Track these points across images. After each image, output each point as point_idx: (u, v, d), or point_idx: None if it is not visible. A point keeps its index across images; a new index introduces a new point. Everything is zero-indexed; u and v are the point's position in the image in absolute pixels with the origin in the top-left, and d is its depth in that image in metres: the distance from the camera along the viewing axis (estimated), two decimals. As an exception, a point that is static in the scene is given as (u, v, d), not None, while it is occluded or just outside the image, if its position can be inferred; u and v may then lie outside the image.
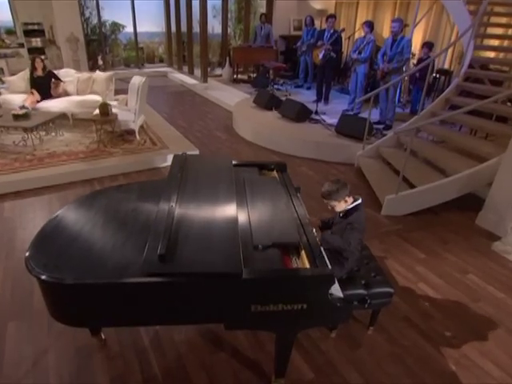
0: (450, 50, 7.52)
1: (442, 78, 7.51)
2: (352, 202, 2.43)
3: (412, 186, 4.23)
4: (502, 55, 6.14)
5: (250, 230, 2.16)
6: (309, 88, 8.72)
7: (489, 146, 4.54)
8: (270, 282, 1.83)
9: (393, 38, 5.86)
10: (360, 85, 6.69)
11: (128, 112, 5.77)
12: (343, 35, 7.34)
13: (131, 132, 6.03)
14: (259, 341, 2.53)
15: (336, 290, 2.10)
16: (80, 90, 6.44)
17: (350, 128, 5.71)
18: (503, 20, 5.95)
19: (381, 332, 2.66)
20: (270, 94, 7.16)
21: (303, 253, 2.07)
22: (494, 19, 5.89)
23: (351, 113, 6.65)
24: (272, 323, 1.96)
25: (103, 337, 2.52)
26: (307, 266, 1.97)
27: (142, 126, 6.34)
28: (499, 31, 5.89)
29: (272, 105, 7.04)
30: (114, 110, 5.58)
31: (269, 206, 2.40)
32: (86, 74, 6.59)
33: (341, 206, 2.41)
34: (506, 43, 6.00)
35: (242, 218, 2.23)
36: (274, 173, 3.01)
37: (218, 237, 1.97)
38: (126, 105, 5.92)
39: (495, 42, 5.96)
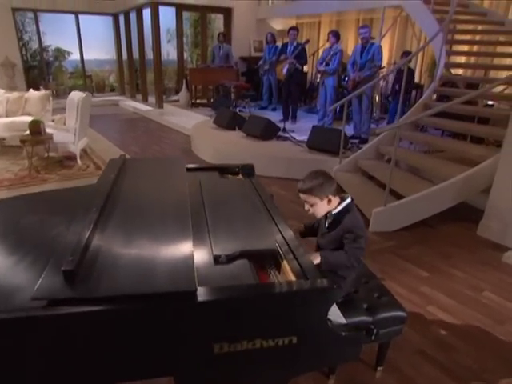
0: (418, 64, 7.57)
1: (413, 92, 7.51)
2: (339, 203, 1.94)
3: (400, 198, 3.89)
4: (473, 59, 6.18)
5: (208, 238, 1.62)
6: (274, 109, 8.48)
7: (478, 148, 4.34)
8: (239, 305, 1.27)
9: (362, 45, 5.74)
10: (330, 98, 6.49)
11: (66, 132, 5.18)
12: (307, 48, 7.18)
13: (72, 157, 5.41)
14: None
15: (335, 314, 1.56)
16: (10, 111, 5.80)
17: (324, 141, 5.39)
18: (470, 26, 6.01)
19: (392, 372, 2.12)
20: (232, 113, 6.84)
21: (285, 264, 1.53)
22: (460, 26, 5.96)
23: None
24: (247, 372, 1.38)
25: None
26: (292, 279, 1.43)
27: (84, 151, 5.74)
28: (467, 37, 5.95)
29: (235, 124, 6.70)
30: (50, 130, 4.97)
31: (234, 210, 1.90)
32: (16, 94, 5.99)
33: (323, 207, 1.92)
34: (475, 48, 6.05)
35: (198, 225, 1.69)
36: (240, 177, 2.53)
37: (161, 250, 1.43)
38: (64, 124, 5.32)
39: (464, 48, 6.01)
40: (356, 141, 5.88)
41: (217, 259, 1.49)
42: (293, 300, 1.31)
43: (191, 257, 1.36)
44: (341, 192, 2.00)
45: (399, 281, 2.95)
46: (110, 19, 11.20)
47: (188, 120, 8.41)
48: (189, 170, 2.50)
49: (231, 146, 5.87)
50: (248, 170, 2.57)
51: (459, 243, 3.55)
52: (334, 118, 6.88)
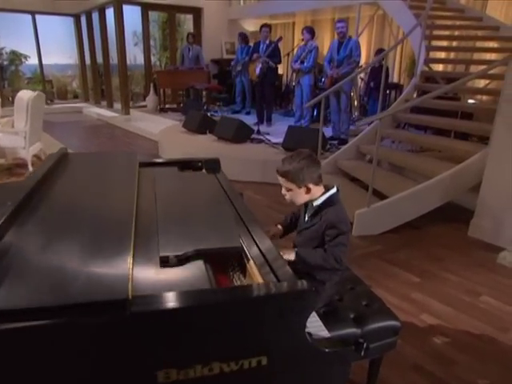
0: (397, 63, 7.55)
1: (393, 92, 7.49)
2: (323, 193, 1.70)
3: (384, 199, 3.72)
4: (452, 55, 6.17)
5: (157, 237, 1.33)
6: (248, 113, 8.32)
7: (463, 144, 4.24)
8: (187, 317, 0.98)
9: (339, 41, 5.62)
10: (306, 98, 6.33)
11: (15, 136, 4.80)
12: (281, 46, 7.04)
13: (23, 165, 5.02)
14: None
15: (316, 326, 1.30)
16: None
17: (300, 142, 5.13)
18: (448, 22, 6.01)
19: (386, 394, 1.85)
20: (202, 115, 6.61)
21: (251, 264, 1.26)
22: (439, 21, 5.96)
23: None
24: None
25: None
26: (260, 281, 1.16)
27: (38, 157, 5.35)
28: (446, 33, 5.94)
29: (205, 127, 6.46)
30: (-6, 134, 4.58)
31: (193, 208, 1.65)
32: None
33: (300, 196, 1.69)
34: (454, 44, 6.04)
35: (146, 225, 1.41)
36: (203, 173, 2.27)
37: (91, 253, 1.14)
38: (13, 127, 4.94)
39: (444, 43, 5.99)
40: (335, 142, 5.74)
41: (164, 261, 1.21)
42: (259, 308, 1.04)
43: (126, 259, 1.08)
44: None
45: (388, 287, 2.75)
46: (70, 20, 10.83)
47: (156, 125, 8.14)
48: (143, 165, 2.22)
49: (202, 151, 5.58)
50: (212, 165, 2.32)
51: (450, 245, 3.40)
52: (311, 120, 6.75)
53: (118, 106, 10.08)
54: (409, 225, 3.64)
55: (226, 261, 1.35)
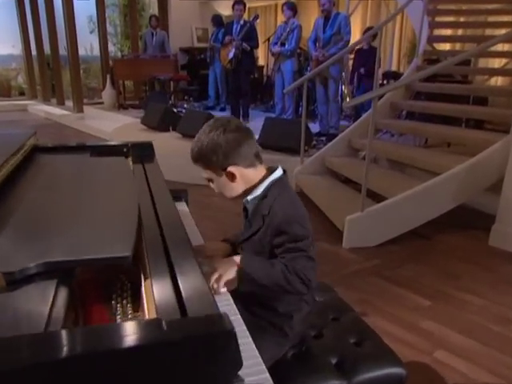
0: (396, 48, 7.31)
1: (392, 82, 7.21)
2: (264, 178, 1.31)
3: (380, 201, 3.45)
4: (460, 32, 5.93)
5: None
6: (223, 109, 8.07)
7: (478, 133, 4.00)
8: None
9: (325, 17, 5.29)
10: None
11: None
12: (257, 26, 6.75)
13: None
14: None
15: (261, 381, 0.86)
16: None
17: (280, 137, 4.90)
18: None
19: None
20: (164, 109, 6.27)
21: (147, 285, 0.82)
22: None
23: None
24: None
25: None
26: (151, 315, 0.72)
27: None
28: (452, 7, 5.69)
29: (167, 123, 6.16)
30: None
31: (83, 207, 1.19)
32: None
33: (227, 185, 1.30)
34: (462, 19, 5.81)
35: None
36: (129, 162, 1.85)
37: None
38: None
39: (450, 18, 5.75)
40: (323, 138, 5.44)
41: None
42: (142, 367, 0.59)
43: None
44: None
45: (389, 315, 2.42)
46: (12, 3, 10.38)
47: (113, 124, 7.82)
48: (42, 150, 1.78)
49: (162, 151, 5.11)
50: (142, 152, 1.91)
51: (468, 258, 3.12)
52: (295, 114, 6.52)
53: (70, 103, 9.70)
54: (414, 233, 3.40)
55: (110, 280, 0.90)
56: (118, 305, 0.85)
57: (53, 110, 9.74)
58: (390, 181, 3.78)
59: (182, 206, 1.88)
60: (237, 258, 1.25)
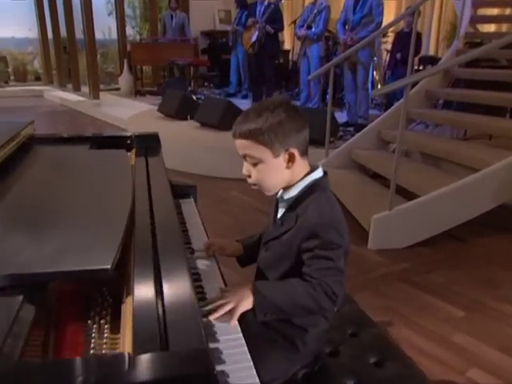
0: (434, 31, 7.12)
1: (429, 68, 7.05)
2: (305, 175, 1.23)
3: (412, 199, 3.42)
4: (508, 11, 5.72)
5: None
6: (245, 96, 8.10)
7: None
8: None
9: (355, -2, 5.20)
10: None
11: None
12: (282, 7, 6.71)
13: None
14: None
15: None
16: None
17: None
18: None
19: None
20: (182, 96, 6.29)
21: (127, 307, 0.76)
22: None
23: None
24: None
25: None
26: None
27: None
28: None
29: (186, 111, 6.18)
30: None
31: (66, 204, 1.13)
32: None
33: (276, 173, 1.22)
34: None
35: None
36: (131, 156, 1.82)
37: None
38: None
39: None
40: (351, 129, 5.42)
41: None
42: None
43: None
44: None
45: (417, 326, 2.37)
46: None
47: (129, 111, 7.98)
48: (40, 140, 1.75)
49: (179, 141, 5.35)
50: (146, 144, 1.89)
51: (509, 264, 3.07)
52: (321, 102, 6.46)
53: (86, 89, 9.88)
54: (448, 235, 3.36)
55: (92, 294, 0.83)
56: (95, 325, 0.78)
57: (68, 97, 9.98)
58: (423, 176, 3.74)
59: (189, 204, 1.83)
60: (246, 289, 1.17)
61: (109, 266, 0.76)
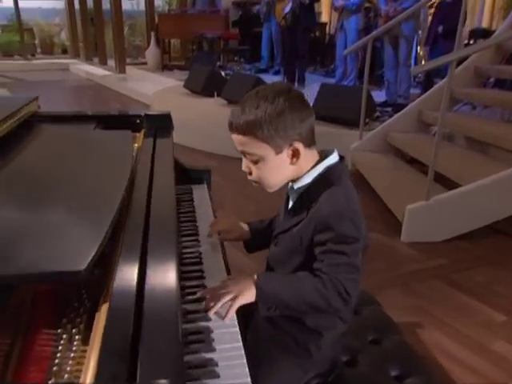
0: (488, 1, 6.82)
1: (480, 42, 6.76)
2: (315, 165, 1.16)
3: (452, 188, 3.34)
4: None
5: None
6: (277, 72, 7.99)
7: None
8: None
9: (398, -35, 5.01)
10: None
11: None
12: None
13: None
14: None
15: None
16: None
17: (336, 106, 4.78)
18: None
19: None
20: (209, 72, 6.27)
21: (102, 315, 0.70)
22: None
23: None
24: None
25: None
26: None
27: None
28: None
29: (213, 88, 6.14)
30: None
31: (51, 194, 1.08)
32: None
33: (279, 170, 1.16)
34: None
35: None
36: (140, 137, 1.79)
37: None
38: None
39: None
40: (389, 109, 5.26)
41: None
42: None
43: None
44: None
45: (451, 329, 2.30)
46: None
47: (156, 86, 8.11)
48: (42, 118, 1.73)
49: (204, 119, 5.36)
50: (158, 124, 1.84)
51: None
52: (358, 80, 6.31)
53: (112, 62, 10.02)
54: (491, 229, 3.27)
55: (69, 296, 0.77)
56: (65, 335, 0.72)
57: (94, 70, 10.18)
58: (467, 164, 3.63)
59: (202, 190, 1.78)
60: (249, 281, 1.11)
61: (82, 268, 0.70)
